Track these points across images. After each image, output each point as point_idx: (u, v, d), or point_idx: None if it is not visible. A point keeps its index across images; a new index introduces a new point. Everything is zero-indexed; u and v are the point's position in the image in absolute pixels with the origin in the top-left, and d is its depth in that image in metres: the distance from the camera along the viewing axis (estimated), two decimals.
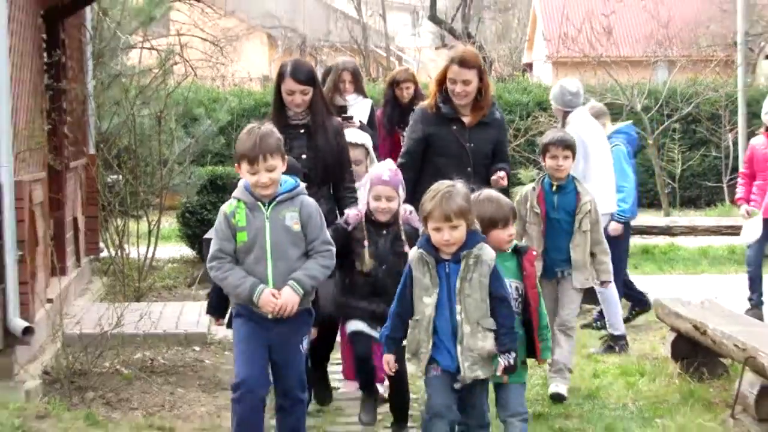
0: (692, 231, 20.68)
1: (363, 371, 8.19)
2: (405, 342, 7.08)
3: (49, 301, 11.32)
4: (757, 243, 12.76)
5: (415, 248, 6.64)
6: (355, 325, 7.82)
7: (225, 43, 26.44)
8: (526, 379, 7.40)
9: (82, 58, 14.77)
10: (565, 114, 11.19)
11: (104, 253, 15.63)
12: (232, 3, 32.29)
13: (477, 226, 6.60)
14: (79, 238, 14.41)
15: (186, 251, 16.89)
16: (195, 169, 16.14)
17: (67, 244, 13.24)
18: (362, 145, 9.13)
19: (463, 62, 8.65)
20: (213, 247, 6.71)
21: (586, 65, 27.29)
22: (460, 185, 6.61)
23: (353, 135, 9.29)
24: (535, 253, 7.72)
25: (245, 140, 6.59)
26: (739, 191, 13.28)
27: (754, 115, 21.23)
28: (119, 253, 15.10)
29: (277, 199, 6.59)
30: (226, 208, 6.73)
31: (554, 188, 8.92)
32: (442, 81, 8.82)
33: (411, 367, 6.91)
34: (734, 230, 16.60)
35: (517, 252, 7.25)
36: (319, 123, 8.53)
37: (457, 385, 6.50)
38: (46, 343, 11.06)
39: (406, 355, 6.73)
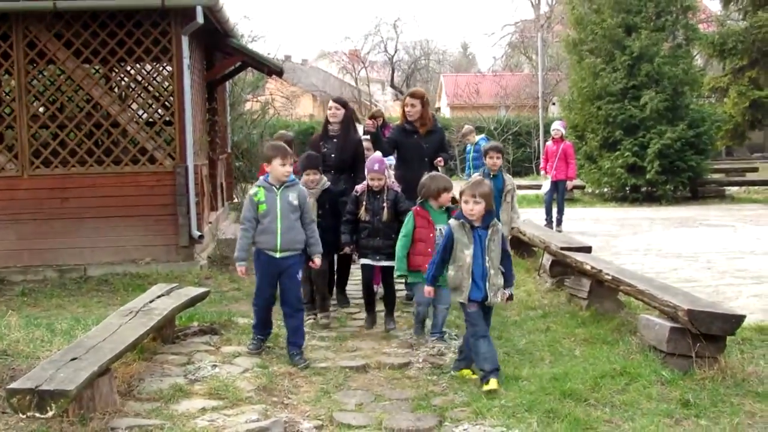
0: (519, 187, 23.52)
1: (366, 293, 7.89)
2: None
3: (210, 222, 12.48)
4: (548, 192, 14.89)
5: (453, 219, 6.24)
6: (363, 260, 7.72)
7: (292, 98, 30.39)
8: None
9: (224, 105, 15.76)
10: None
11: (235, 200, 17.02)
12: (294, 79, 36.05)
13: (491, 206, 6.23)
14: (224, 193, 15.38)
15: None
16: None
17: (218, 196, 14.21)
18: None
19: (412, 95, 8.85)
20: (243, 215, 6.72)
21: (466, 107, 35.43)
22: (486, 181, 6.47)
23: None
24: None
25: (279, 148, 6.62)
26: (542, 166, 15.50)
27: (546, 132, 23.66)
28: (242, 200, 16.55)
29: (285, 185, 6.58)
30: (251, 192, 6.72)
31: (491, 176, 8.66)
32: (403, 108, 8.91)
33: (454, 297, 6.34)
34: (538, 186, 18.49)
35: (447, 210, 7.15)
36: (343, 136, 8.65)
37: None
38: (209, 243, 12.13)
39: (450, 288, 6.27)
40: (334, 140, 8.68)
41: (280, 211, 6.56)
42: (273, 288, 6.73)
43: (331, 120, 8.72)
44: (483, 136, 15.63)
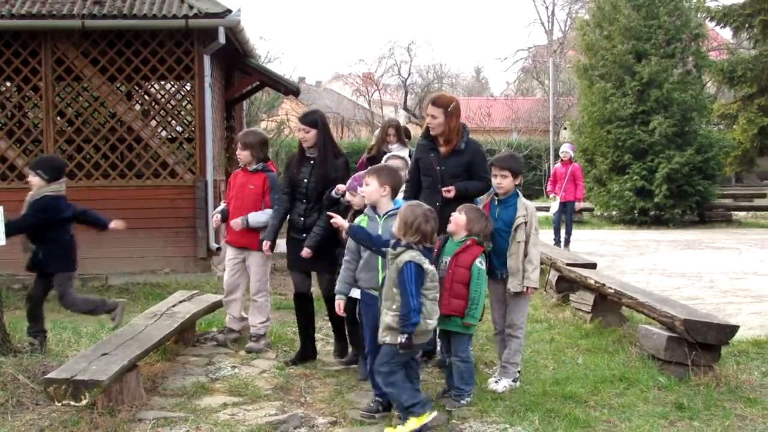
0: None
1: (348, 328, 6.81)
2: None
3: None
4: (557, 213, 15.09)
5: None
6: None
7: None
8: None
9: (241, 123, 15.75)
10: None
11: None
12: (308, 100, 36.16)
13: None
14: None
15: None
16: None
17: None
18: (404, 158, 7.40)
19: (434, 101, 6.65)
20: (346, 245, 5.88)
21: (477, 131, 34.31)
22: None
23: (400, 152, 8.29)
24: None
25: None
26: (549, 188, 15.95)
27: (557, 156, 23.16)
28: None
29: (388, 213, 5.68)
30: (357, 220, 5.87)
31: (497, 201, 6.33)
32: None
33: None
34: (547, 208, 17.81)
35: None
36: (320, 160, 6.91)
37: None
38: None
39: None
40: (311, 162, 7.02)
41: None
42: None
43: (303, 144, 7.08)
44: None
